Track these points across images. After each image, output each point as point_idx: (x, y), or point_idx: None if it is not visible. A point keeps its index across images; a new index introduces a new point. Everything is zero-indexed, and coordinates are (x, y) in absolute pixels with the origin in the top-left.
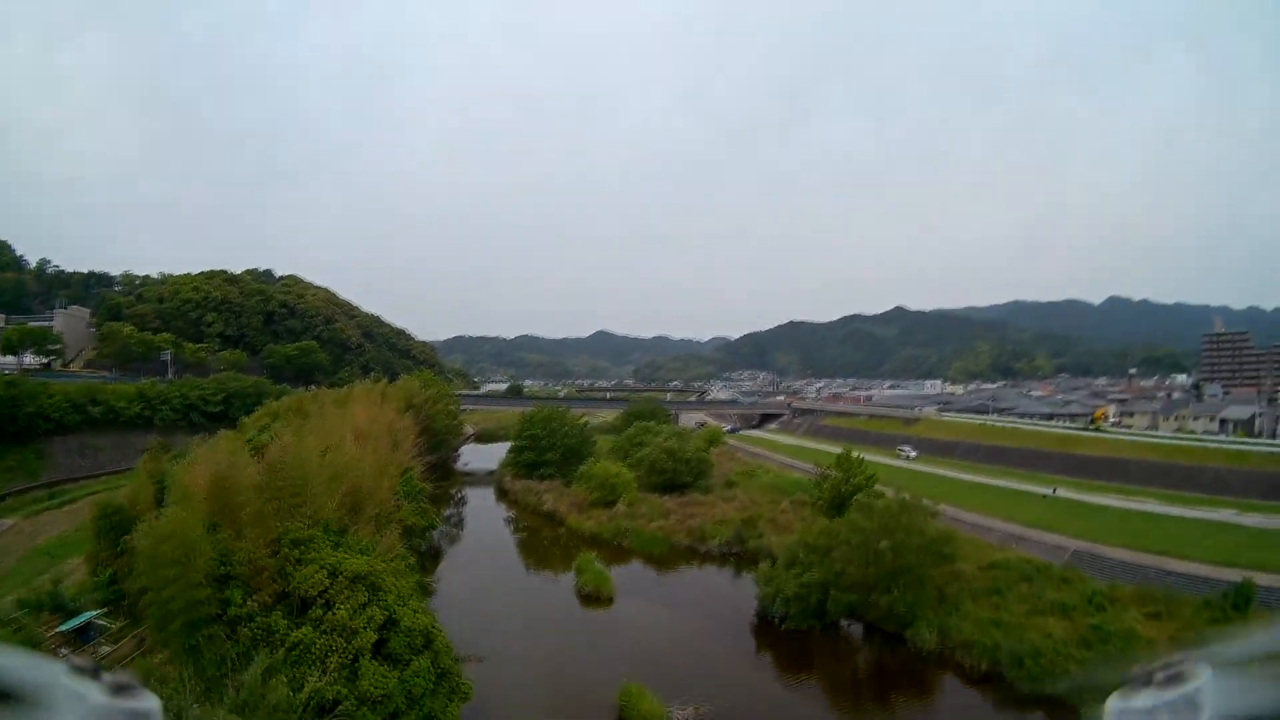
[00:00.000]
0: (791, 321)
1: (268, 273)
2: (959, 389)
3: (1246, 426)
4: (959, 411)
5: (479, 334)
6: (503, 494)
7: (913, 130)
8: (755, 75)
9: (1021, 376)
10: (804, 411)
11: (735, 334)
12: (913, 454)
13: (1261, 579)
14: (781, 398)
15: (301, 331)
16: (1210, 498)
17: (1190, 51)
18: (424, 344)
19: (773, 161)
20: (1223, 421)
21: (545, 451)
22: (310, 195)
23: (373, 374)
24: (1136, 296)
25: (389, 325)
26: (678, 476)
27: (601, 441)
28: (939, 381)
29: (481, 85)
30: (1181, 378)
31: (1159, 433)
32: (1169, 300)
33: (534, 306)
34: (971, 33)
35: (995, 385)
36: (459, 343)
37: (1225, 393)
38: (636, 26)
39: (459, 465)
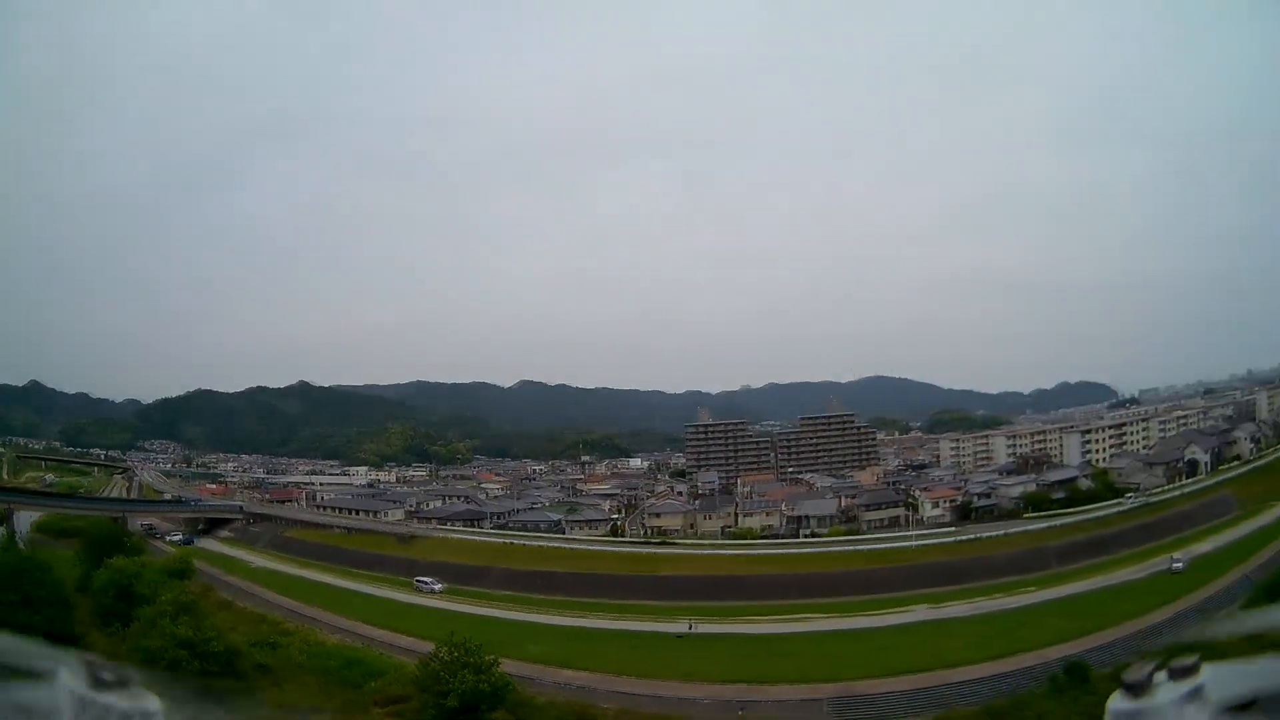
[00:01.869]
0: (201, 389)
1: None
2: (387, 475)
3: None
4: (442, 521)
5: None
6: None
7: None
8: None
9: (440, 460)
10: (261, 517)
11: (148, 397)
12: (438, 587)
13: None
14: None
15: None
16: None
17: None
18: None
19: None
20: (801, 518)
21: None
22: None
23: None
24: (552, 381)
25: None
26: None
27: None
28: (365, 468)
29: None
30: (636, 461)
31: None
32: (592, 385)
33: None
34: None
35: (443, 474)
36: None
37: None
38: None
39: None
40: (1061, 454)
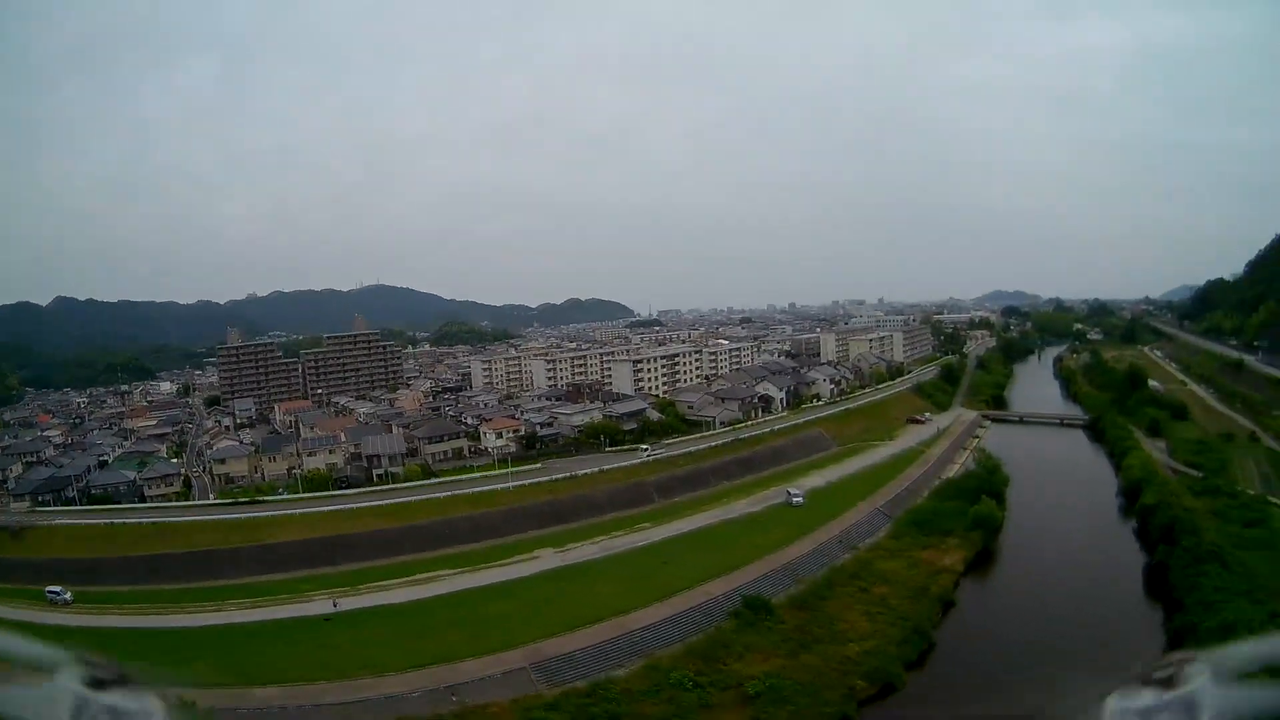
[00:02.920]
0: None
1: None
2: None
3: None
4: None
5: None
6: None
7: None
8: None
9: None
10: None
11: None
12: (68, 596)
13: None
14: None
15: None
16: None
17: None
18: None
19: None
20: (373, 457)
21: None
22: None
23: None
24: (82, 295)
25: None
26: None
27: None
28: None
29: None
30: (166, 385)
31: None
32: (115, 298)
33: None
34: None
35: None
36: None
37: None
38: None
39: None
40: (613, 382)
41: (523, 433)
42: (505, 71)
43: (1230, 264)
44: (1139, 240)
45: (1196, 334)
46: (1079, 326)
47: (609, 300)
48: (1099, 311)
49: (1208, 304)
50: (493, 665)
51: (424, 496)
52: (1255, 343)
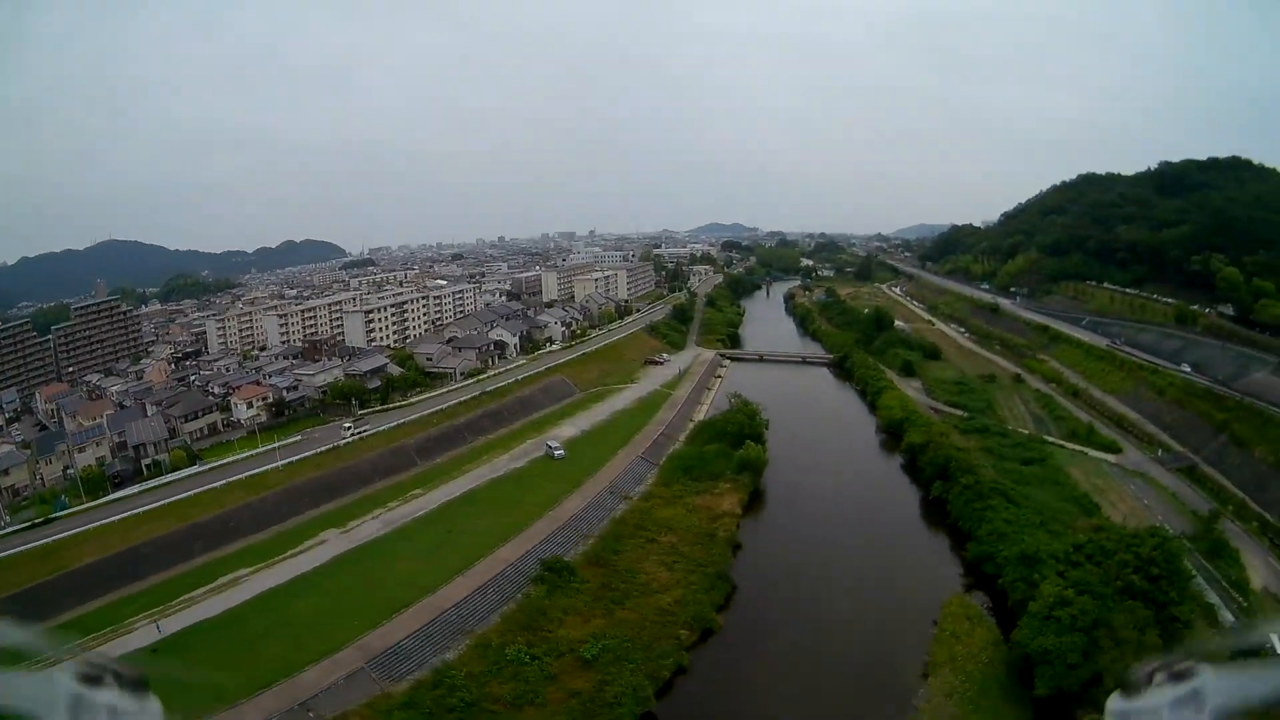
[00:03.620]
0: None
1: None
2: None
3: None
4: None
5: None
6: None
7: None
8: None
9: None
10: None
11: None
12: None
13: None
14: None
15: None
16: None
17: None
18: None
19: None
20: (140, 446)
21: None
22: None
23: None
24: None
25: None
26: None
27: None
28: None
29: None
30: None
31: None
32: None
33: None
34: None
35: None
36: None
37: None
38: None
39: None
40: (346, 334)
41: (270, 399)
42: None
43: (977, 211)
44: (874, 182)
45: (940, 275)
46: (808, 262)
47: (321, 241)
48: (827, 247)
49: (954, 247)
50: (332, 670)
51: (199, 489)
52: (1012, 289)
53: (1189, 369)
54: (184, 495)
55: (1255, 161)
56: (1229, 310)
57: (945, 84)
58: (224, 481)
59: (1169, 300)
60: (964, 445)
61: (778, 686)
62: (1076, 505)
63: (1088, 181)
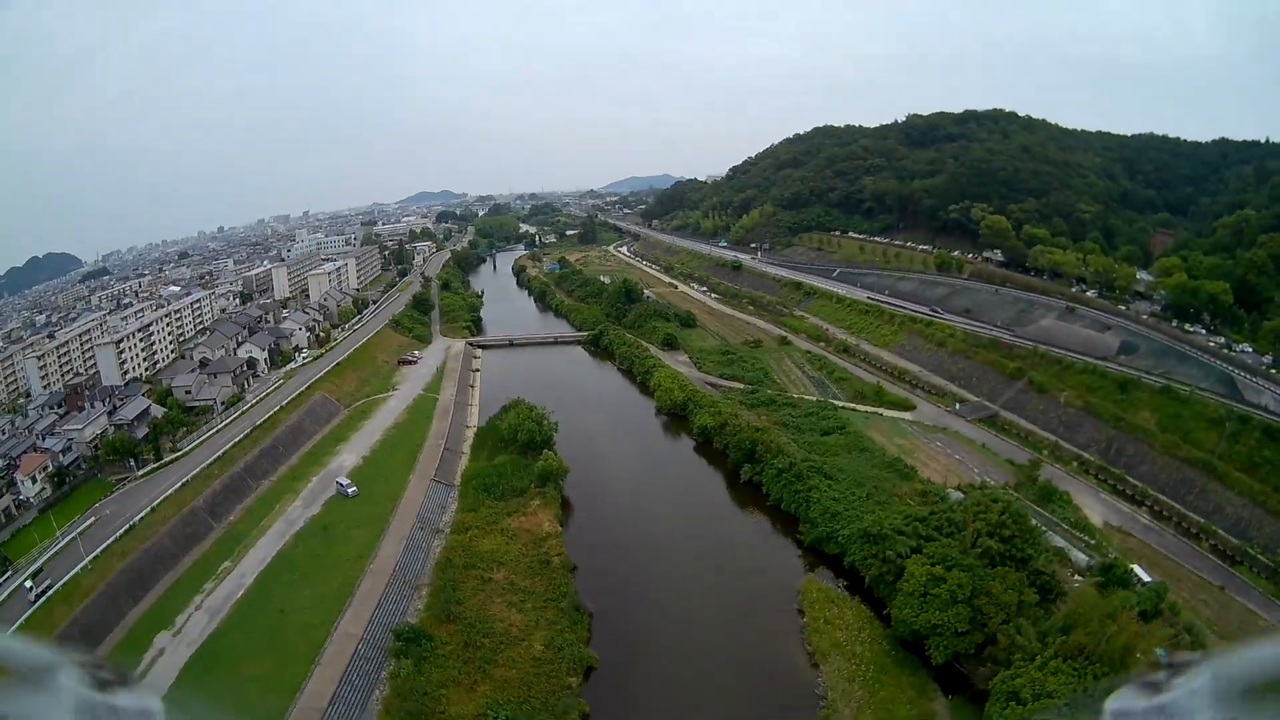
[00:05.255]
0: None
1: None
2: None
3: None
4: None
5: None
6: None
7: None
8: None
9: None
10: None
11: None
12: None
13: None
14: None
15: None
16: None
17: None
18: None
19: None
20: None
21: None
22: None
23: None
24: None
25: None
26: None
27: None
28: None
29: None
30: None
31: None
32: None
33: None
34: None
35: None
36: None
37: None
38: None
39: None
40: (99, 368)
41: (50, 468)
42: None
43: (700, 165)
44: (582, 137)
45: (668, 232)
46: (529, 229)
47: (60, 253)
48: (543, 210)
49: (680, 202)
50: None
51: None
52: (752, 244)
53: (963, 318)
54: None
55: (1021, 114)
56: (997, 256)
57: (659, 41)
58: (41, 597)
59: (925, 248)
60: (760, 425)
61: (686, 704)
62: (892, 471)
63: (824, 134)
